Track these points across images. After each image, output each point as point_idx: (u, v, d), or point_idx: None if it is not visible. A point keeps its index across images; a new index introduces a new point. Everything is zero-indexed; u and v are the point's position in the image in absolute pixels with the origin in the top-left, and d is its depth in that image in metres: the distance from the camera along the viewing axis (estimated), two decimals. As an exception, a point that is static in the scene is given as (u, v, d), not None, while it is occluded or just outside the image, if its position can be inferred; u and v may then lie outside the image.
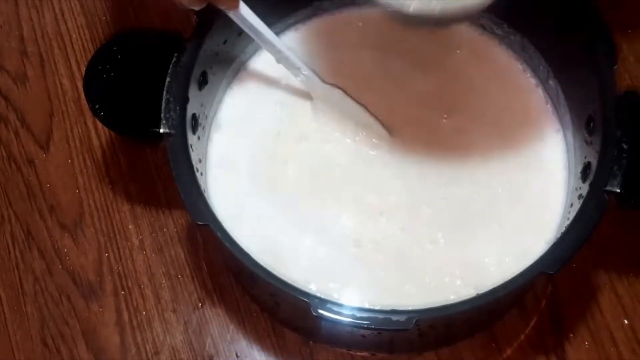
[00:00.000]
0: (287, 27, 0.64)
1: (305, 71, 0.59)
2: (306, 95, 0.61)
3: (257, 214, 0.58)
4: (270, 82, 0.63)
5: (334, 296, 0.54)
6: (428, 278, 0.55)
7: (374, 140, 0.60)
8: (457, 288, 0.54)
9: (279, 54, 0.57)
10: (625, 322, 0.60)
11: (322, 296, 0.48)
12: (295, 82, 0.61)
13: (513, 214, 0.57)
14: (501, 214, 0.57)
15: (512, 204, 0.57)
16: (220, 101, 0.62)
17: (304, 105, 0.62)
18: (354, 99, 0.60)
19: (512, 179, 0.58)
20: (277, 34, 0.63)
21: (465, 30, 0.64)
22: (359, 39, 0.64)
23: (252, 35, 0.55)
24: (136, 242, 0.64)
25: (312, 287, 0.54)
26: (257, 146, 0.60)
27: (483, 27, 0.64)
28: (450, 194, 0.58)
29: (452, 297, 0.53)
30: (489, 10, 0.61)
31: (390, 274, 0.55)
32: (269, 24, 0.56)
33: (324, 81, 0.59)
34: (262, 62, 0.63)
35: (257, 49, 0.63)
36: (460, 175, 0.58)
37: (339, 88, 0.60)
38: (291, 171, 0.59)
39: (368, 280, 0.55)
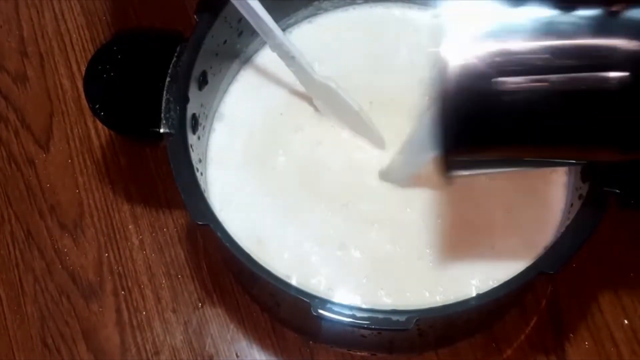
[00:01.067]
0: (286, 27, 0.64)
1: (299, 61, 0.57)
2: (307, 96, 0.61)
3: (251, 206, 0.58)
4: (271, 82, 0.63)
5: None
6: (409, 292, 0.54)
7: (367, 147, 0.59)
8: (435, 304, 0.53)
9: (273, 40, 0.56)
10: (625, 322, 0.60)
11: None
12: (296, 83, 0.62)
13: (509, 233, 0.56)
14: (497, 235, 0.56)
15: (509, 221, 0.57)
16: (220, 101, 0.62)
17: (304, 107, 0.61)
18: (350, 98, 0.58)
19: (511, 185, 0.58)
20: (283, 28, 0.63)
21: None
22: (362, 41, 0.64)
23: (246, 15, 0.54)
24: (136, 242, 0.64)
25: (293, 282, 0.54)
26: (256, 145, 0.60)
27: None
28: (448, 212, 0.57)
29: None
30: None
31: (372, 282, 0.55)
32: (276, 21, 0.56)
33: (317, 75, 0.58)
34: (262, 62, 0.63)
35: (257, 49, 0.63)
36: (460, 193, 0.58)
37: (333, 84, 0.58)
38: (287, 169, 0.59)
39: (349, 284, 0.55)
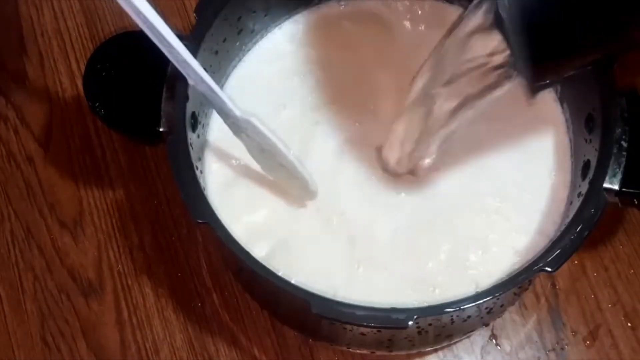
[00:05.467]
0: (286, 20, 0.64)
1: (217, 94, 0.49)
2: (304, 93, 0.61)
3: (251, 205, 0.58)
4: (269, 80, 0.62)
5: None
6: (409, 289, 0.55)
7: (295, 193, 0.57)
8: (435, 302, 0.51)
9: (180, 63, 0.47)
10: (624, 320, 0.60)
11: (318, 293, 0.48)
12: (295, 81, 0.61)
13: (509, 230, 0.56)
14: (497, 233, 0.56)
15: (509, 219, 0.57)
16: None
17: (304, 106, 0.61)
18: (276, 139, 0.51)
19: (511, 183, 0.58)
20: (280, 24, 0.63)
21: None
22: (365, 34, 0.64)
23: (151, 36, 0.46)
24: (136, 241, 0.64)
25: (295, 280, 0.54)
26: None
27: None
28: (448, 211, 0.57)
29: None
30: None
31: (370, 278, 0.55)
32: (274, 18, 0.55)
33: (238, 110, 0.51)
34: (261, 61, 0.63)
35: (256, 47, 0.63)
36: (460, 192, 0.58)
37: (254, 118, 0.51)
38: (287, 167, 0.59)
39: (348, 281, 0.55)
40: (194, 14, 0.55)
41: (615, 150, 0.51)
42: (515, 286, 0.50)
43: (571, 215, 0.51)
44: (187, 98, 0.54)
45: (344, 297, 0.54)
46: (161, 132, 0.53)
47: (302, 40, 0.63)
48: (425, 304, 0.48)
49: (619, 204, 0.51)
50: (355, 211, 0.58)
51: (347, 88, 0.61)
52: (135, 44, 0.56)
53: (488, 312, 0.57)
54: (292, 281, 0.52)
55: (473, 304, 0.48)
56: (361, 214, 0.57)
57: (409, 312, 0.47)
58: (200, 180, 0.53)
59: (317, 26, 0.64)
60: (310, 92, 0.62)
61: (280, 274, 0.50)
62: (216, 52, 0.58)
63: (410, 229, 0.57)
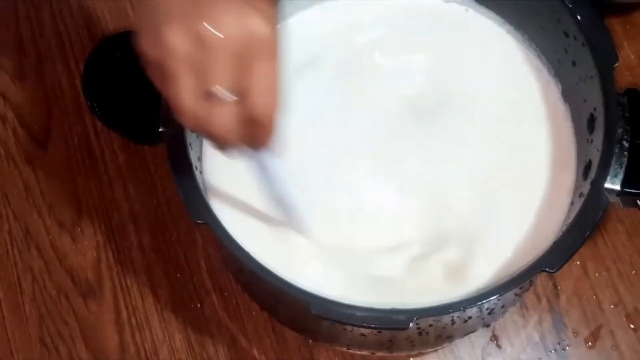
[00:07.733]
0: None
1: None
2: (308, 91, 0.61)
3: (251, 204, 0.57)
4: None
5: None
6: (409, 291, 0.54)
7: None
8: (435, 303, 0.50)
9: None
10: (626, 321, 0.60)
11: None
12: (296, 84, 0.61)
13: (510, 231, 0.56)
14: (497, 233, 0.56)
15: (509, 219, 0.57)
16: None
17: (303, 102, 0.61)
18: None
19: (512, 183, 0.58)
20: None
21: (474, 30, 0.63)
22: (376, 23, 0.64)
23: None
24: (135, 241, 0.63)
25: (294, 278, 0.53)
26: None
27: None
28: (450, 211, 0.57)
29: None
30: (490, 7, 0.62)
31: (370, 278, 0.55)
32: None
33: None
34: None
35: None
36: (462, 192, 0.58)
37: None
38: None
39: (347, 280, 0.55)
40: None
41: (616, 150, 0.50)
42: (516, 287, 0.50)
43: (572, 215, 0.51)
44: (186, 98, 0.53)
45: (344, 295, 0.54)
46: (160, 132, 0.53)
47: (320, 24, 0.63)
48: (426, 305, 0.48)
49: (621, 204, 0.51)
50: (351, 209, 0.57)
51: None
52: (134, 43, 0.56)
53: (489, 313, 0.57)
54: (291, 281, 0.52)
55: (474, 305, 0.48)
56: (359, 214, 0.57)
57: (409, 312, 0.47)
58: (200, 181, 0.53)
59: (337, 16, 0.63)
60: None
61: (279, 273, 0.49)
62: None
63: (416, 232, 0.57)
